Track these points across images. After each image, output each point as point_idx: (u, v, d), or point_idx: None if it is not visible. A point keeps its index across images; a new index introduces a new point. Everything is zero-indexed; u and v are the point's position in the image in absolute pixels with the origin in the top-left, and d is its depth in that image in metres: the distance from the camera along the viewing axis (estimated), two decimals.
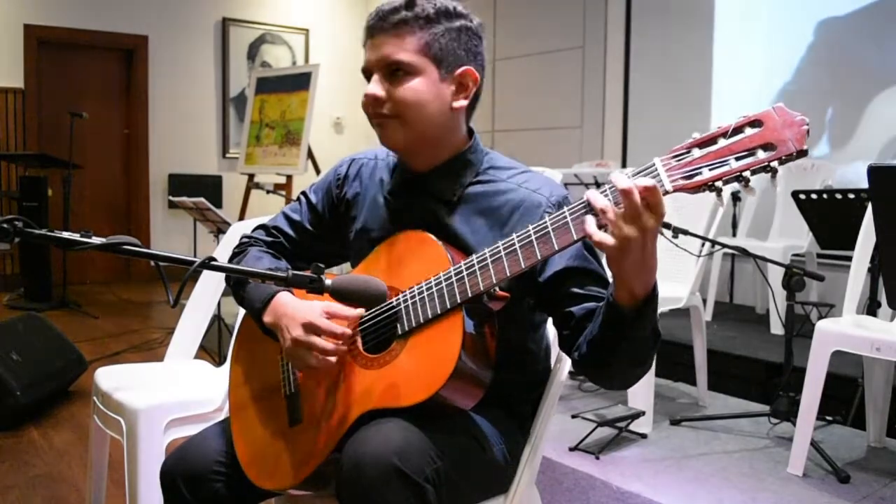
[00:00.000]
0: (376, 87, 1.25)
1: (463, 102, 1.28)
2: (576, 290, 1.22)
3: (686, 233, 2.61)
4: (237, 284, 1.37)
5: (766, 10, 4.88)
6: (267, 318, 1.28)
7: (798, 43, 4.69)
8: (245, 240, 1.49)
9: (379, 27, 1.24)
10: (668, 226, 2.51)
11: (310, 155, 5.50)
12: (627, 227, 0.98)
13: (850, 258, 2.56)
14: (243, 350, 1.45)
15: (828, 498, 2.27)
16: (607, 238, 0.99)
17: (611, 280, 1.09)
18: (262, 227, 1.51)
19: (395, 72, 1.24)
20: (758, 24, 4.93)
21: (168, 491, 1.31)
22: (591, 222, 1.01)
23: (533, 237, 1.09)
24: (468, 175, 1.32)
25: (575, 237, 1.05)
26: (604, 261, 1.12)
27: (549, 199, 1.27)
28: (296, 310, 1.23)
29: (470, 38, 1.28)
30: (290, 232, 1.47)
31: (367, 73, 1.28)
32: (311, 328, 1.20)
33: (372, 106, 1.26)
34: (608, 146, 5.77)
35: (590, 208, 1.02)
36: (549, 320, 1.43)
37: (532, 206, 1.26)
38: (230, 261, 1.47)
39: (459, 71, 1.27)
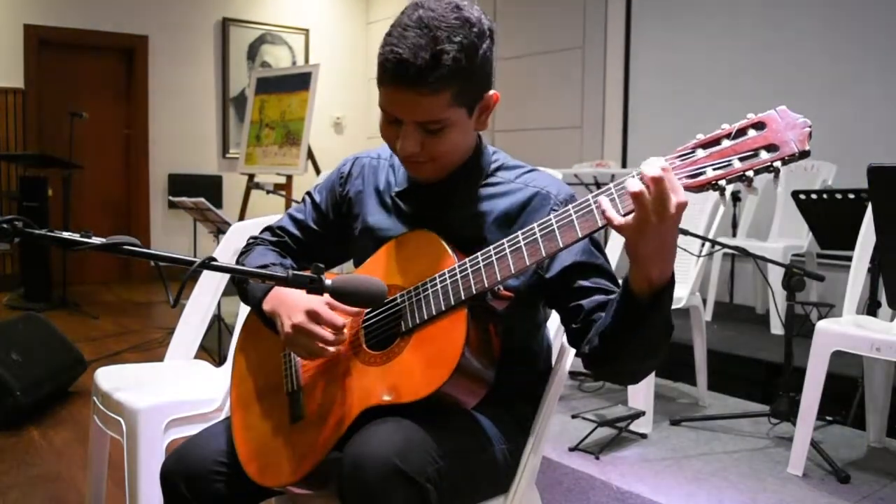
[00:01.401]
0: (412, 144, 1.21)
1: (485, 122, 1.29)
2: (583, 283, 1.22)
3: (686, 233, 2.61)
4: (241, 280, 1.37)
5: (766, 9, 4.88)
6: (266, 307, 1.29)
7: (796, 41, 4.70)
8: (251, 240, 1.50)
9: (405, 84, 1.16)
10: None
11: (310, 155, 5.50)
12: (652, 213, 0.97)
13: (850, 258, 2.56)
14: (245, 347, 1.45)
15: (828, 498, 2.27)
16: (627, 220, 0.99)
17: (619, 274, 1.09)
18: (268, 228, 1.52)
19: (431, 129, 1.21)
20: (758, 22, 4.93)
21: (168, 491, 1.31)
22: (608, 206, 1.01)
23: (538, 235, 1.10)
24: (477, 178, 1.32)
25: (580, 234, 1.06)
26: (609, 254, 1.11)
27: (556, 198, 1.28)
28: (298, 298, 1.23)
29: (490, 58, 1.22)
30: (296, 232, 1.48)
31: (396, 118, 1.22)
32: (313, 316, 1.20)
33: (408, 157, 1.24)
34: (608, 146, 5.78)
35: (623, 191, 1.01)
36: (550, 320, 1.43)
37: (539, 204, 1.27)
38: (237, 260, 1.47)
39: (483, 100, 1.25)
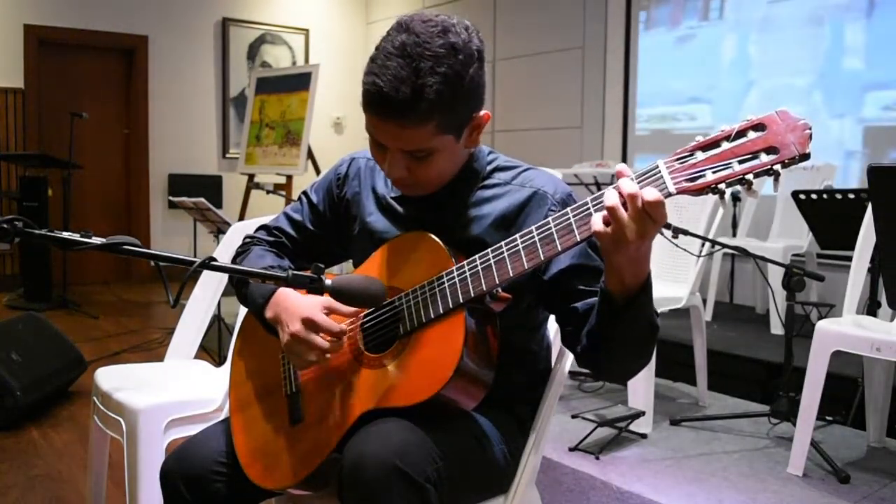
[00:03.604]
0: (399, 170, 1.21)
1: (476, 140, 1.28)
2: (580, 286, 1.22)
3: (686, 233, 2.61)
4: (240, 283, 1.37)
5: (766, 10, 4.88)
6: (269, 314, 1.29)
7: (796, 42, 4.69)
8: (248, 240, 1.50)
9: (386, 116, 1.15)
10: (668, 226, 2.49)
11: (310, 155, 5.50)
12: (629, 230, 0.99)
13: (850, 258, 2.56)
14: (245, 349, 1.45)
15: (828, 498, 2.27)
16: (605, 230, 1.00)
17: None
18: (263, 227, 1.52)
19: (417, 156, 1.20)
20: (758, 22, 4.93)
21: (168, 491, 1.31)
22: (596, 219, 1.02)
23: (536, 238, 1.09)
24: (474, 182, 1.32)
25: (578, 238, 1.06)
26: None
27: (553, 197, 1.27)
28: (296, 305, 1.23)
29: (479, 81, 1.20)
30: (292, 232, 1.47)
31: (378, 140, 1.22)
32: (310, 324, 1.20)
33: (395, 181, 1.27)
34: (608, 146, 5.78)
35: (600, 205, 1.03)
36: (550, 320, 1.43)
37: (537, 204, 1.27)
38: (233, 260, 1.47)
39: (472, 121, 1.23)
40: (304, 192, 1.50)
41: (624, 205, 0.99)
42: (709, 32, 5.23)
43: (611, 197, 1.00)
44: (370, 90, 1.14)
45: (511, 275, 1.12)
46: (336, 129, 7.81)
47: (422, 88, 1.12)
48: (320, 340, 1.19)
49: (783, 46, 4.78)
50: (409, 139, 1.17)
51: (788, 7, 4.75)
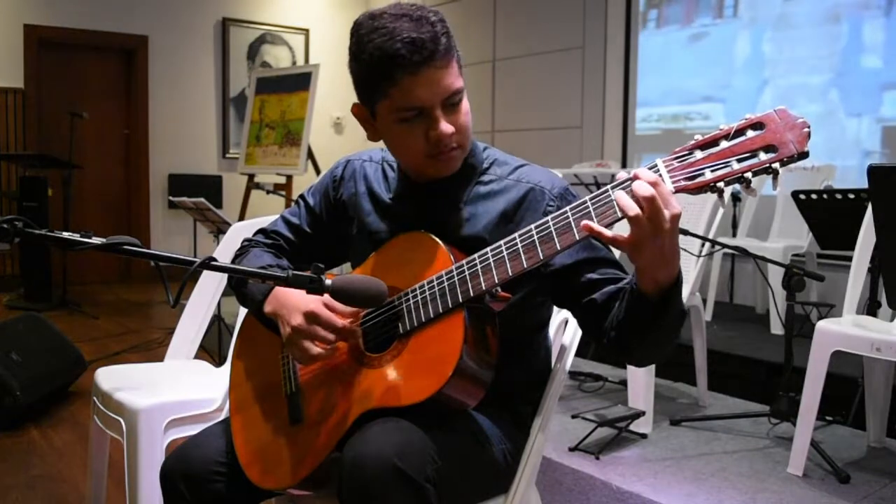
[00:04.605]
0: (448, 126, 1.21)
1: None
2: (591, 276, 1.22)
3: (686, 233, 2.61)
4: (239, 283, 1.37)
5: (782, 8, 4.88)
6: (268, 308, 1.28)
7: (812, 39, 4.69)
8: (245, 243, 1.50)
9: (425, 61, 1.16)
10: None
11: (310, 155, 5.51)
12: (646, 229, 0.98)
13: (850, 258, 2.56)
14: (244, 349, 1.45)
15: (828, 498, 2.27)
16: (620, 235, 1.00)
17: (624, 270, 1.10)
18: (261, 230, 1.52)
19: (454, 101, 1.21)
20: (772, 21, 4.93)
21: (168, 491, 1.31)
22: (596, 225, 1.01)
23: (535, 238, 1.09)
24: (471, 178, 1.32)
25: (577, 237, 1.06)
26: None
27: (551, 192, 1.27)
28: (297, 299, 1.23)
29: None
30: (290, 235, 1.48)
31: (421, 111, 1.20)
32: (312, 317, 1.20)
33: (447, 143, 1.23)
34: (608, 146, 5.78)
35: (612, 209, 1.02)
36: (550, 321, 1.43)
37: (535, 199, 1.27)
38: (232, 262, 1.47)
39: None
40: (302, 196, 1.50)
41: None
42: (723, 30, 5.18)
43: (631, 206, 0.98)
44: (398, 47, 1.15)
45: (510, 274, 1.12)
46: (336, 129, 7.81)
47: (435, 26, 1.18)
48: (323, 332, 1.19)
49: (799, 44, 4.71)
50: (447, 80, 1.19)
51: (805, 4, 4.69)
